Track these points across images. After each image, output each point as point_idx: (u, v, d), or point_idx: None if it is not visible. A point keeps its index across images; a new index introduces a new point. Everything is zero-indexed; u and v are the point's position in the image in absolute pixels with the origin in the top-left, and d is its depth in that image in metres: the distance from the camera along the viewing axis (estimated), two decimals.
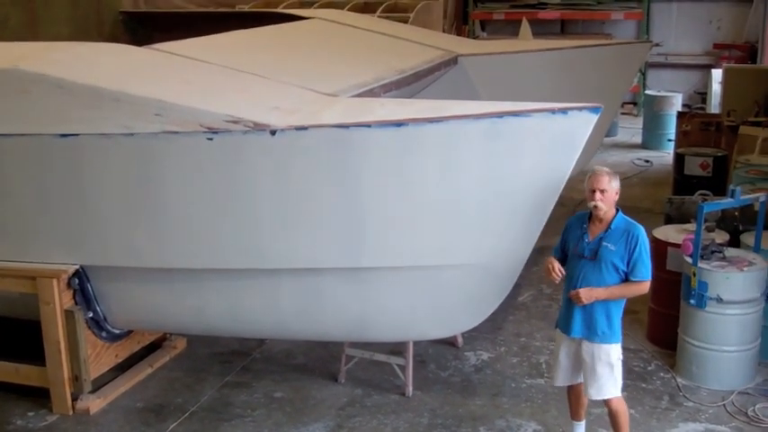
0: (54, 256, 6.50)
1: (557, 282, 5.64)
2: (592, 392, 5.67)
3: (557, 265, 5.54)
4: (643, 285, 5.53)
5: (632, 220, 5.59)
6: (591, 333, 5.58)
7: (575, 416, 6.02)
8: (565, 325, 5.71)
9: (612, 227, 5.51)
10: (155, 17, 12.50)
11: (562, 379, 5.87)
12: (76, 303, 6.61)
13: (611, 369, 5.59)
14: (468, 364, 7.45)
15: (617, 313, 5.60)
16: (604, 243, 5.49)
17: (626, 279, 5.51)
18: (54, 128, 6.03)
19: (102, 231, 6.31)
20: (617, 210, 5.57)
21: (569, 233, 5.74)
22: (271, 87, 6.52)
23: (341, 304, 6.18)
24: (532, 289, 9.06)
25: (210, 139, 5.70)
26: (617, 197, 5.55)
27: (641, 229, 5.53)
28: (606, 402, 5.72)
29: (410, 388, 6.92)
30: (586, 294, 5.47)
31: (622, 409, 5.74)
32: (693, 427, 6.41)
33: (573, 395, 5.97)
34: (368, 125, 5.48)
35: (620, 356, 5.66)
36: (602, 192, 5.45)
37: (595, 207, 5.49)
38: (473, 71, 9.63)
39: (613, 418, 5.75)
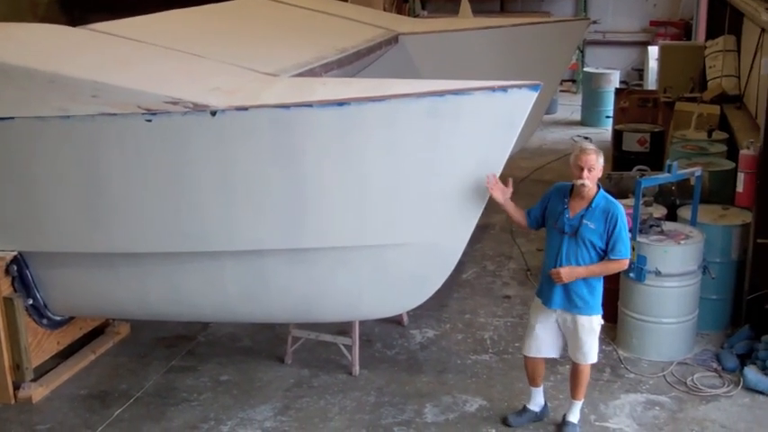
0: None
1: (492, 191, 5.56)
2: (579, 357, 5.85)
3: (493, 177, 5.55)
4: (622, 263, 5.67)
5: (612, 199, 5.67)
6: (572, 305, 5.71)
7: (533, 383, 6.14)
8: (546, 299, 5.81)
9: (593, 205, 5.60)
10: None
11: (535, 350, 5.97)
12: (15, 290, 6.51)
13: (594, 336, 5.80)
14: (413, 342, 7.49)
15: (599, 285, 5.76)
16: (585, 221, 5.59)
17: (603, 256, 5.62)
18: None
19: (40, 216, 6.20)
20: (598, 187, 5.65)
21: (550, 203, 5.82)
22: (210, 67, 6.45)
23: (285, 285, 6.17)
24: (476, 266, 9.12)
25: (149, 120, 5.62)
26: (600, 174, 5.64)
27: (621, 208, 5.63)
28: (578, 364, 5.89)
29: (357, 367, 6.94)
30: (568, 274, 5.59)
31: (588, 371, 5.95)
32: (635, 398, 6.54)
33: (530, 365, 6.06)
34: (309, 105, 5.46)
35: (601, 322, 5.86)
36: (590, 170, 5.53)
37: (583, 185, 5.57)
38: (414, 50, 9.63)
39: (578, 376, 5.94)
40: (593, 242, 5.58)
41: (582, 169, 5.54)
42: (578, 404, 6.04)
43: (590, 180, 5.56)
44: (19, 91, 5.81)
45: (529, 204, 5.98)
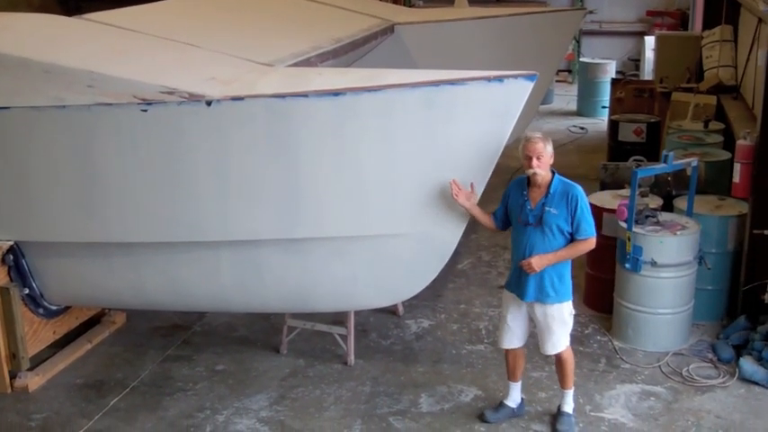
0: None
1: (457, 197, 5.59)
2: (548, 348, 5.85)
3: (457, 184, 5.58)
4: (589, 242, 5.66)
5: (569, 181, 5.68)
6: (543, 295, 5.71)
7: (512, 377, 6.15)
8: (517, 290, 5.81)
9: (551, 191, 5.60)
10: None
11: (508, 341, 5.98)
12: (12, 280, 6.51)
13: (564, 325, 5.80)
14: (409, 332, 7.50)
15: (567, 272, 5.76)
16: (546, 208, 5.58)
17: (572, 239, 5.63)
18: None
19: (36, 206, 6.20)
20: (553, 173, 5.65)
21: (510, 199, 5.82)
22: (206, 57, 6.43)
23: (281, 275, 6.17)
24: (471, 256, 9.13)
25: (145, 110, 5.61)
26: (552, 160, 5.63)
27: (579, 189, 5.63)
28: (557, 354, 5.89)
29: (352, 357, 6.95)
30: (537, 263, 5.58)
31: (570, 357, 5.95)
32: (630, 389, 6.55)
33: (511, 358, 6.08)
34: (305, 95, 5.45)
35: (572, 312, 5.85)
36: (538, 158, 5.53)
37: (534, 174, 5.57)
38: (410, 40, 9.62)
39: (562, 365, 5.95)
40: (559, 227, 5.58)
41: (530, 158, 5.54)
42: (569, 393, 6.04)
43: (541, 168, 5.55)
44: (14, 81, 5.80)
45: None
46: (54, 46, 6.09)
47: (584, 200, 5.60)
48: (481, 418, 6.13)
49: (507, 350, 6.06)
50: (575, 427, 6.00)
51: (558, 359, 5.96)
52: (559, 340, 5.82)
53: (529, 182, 5.69)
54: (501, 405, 6.17)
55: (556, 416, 6.07)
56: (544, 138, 5.59)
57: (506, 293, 5.96)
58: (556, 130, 15.06)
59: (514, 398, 6.16)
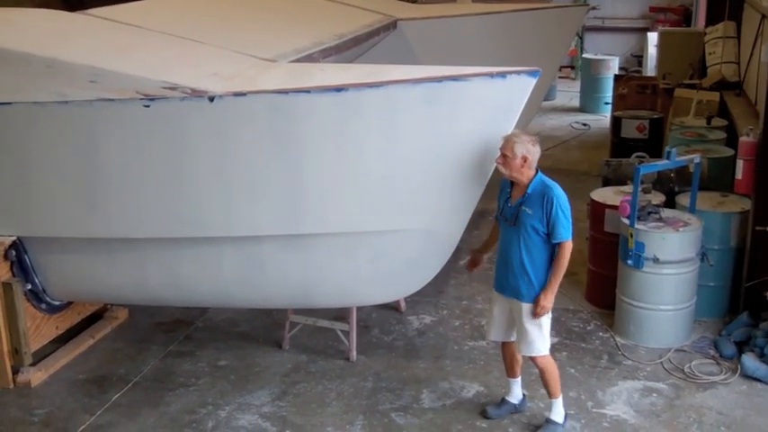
0: None
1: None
2: (522, 348, 5.79)
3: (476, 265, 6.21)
4: (564, 246, 5.53)
5: (549, 182, 5.56)
6: (518, 294, 5.68)
7: (510, 373, 6.14)
8: (498, 286, 5.85)
9: (529, 191, 5.54)
10: None
11: (495, 334, 6.02)
12: (14, 275, 6.51)
13: (539, 328, 5.70)
14: (411, 328, 7.51)
15: (542, 273, 5.62)
16: (523, 207, 5.54)
17: (546, 240, 5.54)
18: None
19: (38, 202, 6.20)
20: (536, 173, 5.56)
21: (499, 195, 5.83)
22: (208, 53, 6.43)
23: (283, 271, 6.17)
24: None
25: (147, 106, 5.61)
26: (526, 164, 5.45)
27: (557, 190, 5.52)
28: (533, 360, 5.83)
29: (354, 353, 6.96)
30: (548, 303, 5.57)
31: (550, 367, 5.86)
32: (632, 385, 6.55)
33: (507, 353, 6.07)
34: (307, 90, 5.45)
35: (549, 316, 5.76)
36: (504, 155, 5.45)
37: (500, 168, 5.51)
38: (412, 35, 9.61)
39: (543, 375, 5.89)
40: (534, 227, 5.51)
41: (500, 154, 5.47)
42: (555, 402, 5.93)
43: (505, 166, 5.45)
44: (17, 76, 5.80)
45: None
46: (56, 41, 6.09)
47: (560, 202, 5.48)
48: (483, 414, 6.13)
49: (503, 345, 6.06)
50: None
51: (538, 368, 5.87)
52: (534, 342, 5.70)
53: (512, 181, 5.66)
54: (503, 401, 6.17)
55: (543, 423, 6.00)
56: (522, 140, 5.43)
57: (494, 291, 5.96)
58: (559, 126, 15.06)
59: (516, 394, 6.16)
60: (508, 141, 5.43)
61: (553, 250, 5.59)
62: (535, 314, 5.61)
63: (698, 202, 7.40)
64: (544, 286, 5.59)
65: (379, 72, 5.66)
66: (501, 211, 5.74)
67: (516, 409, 6.15)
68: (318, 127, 5.54)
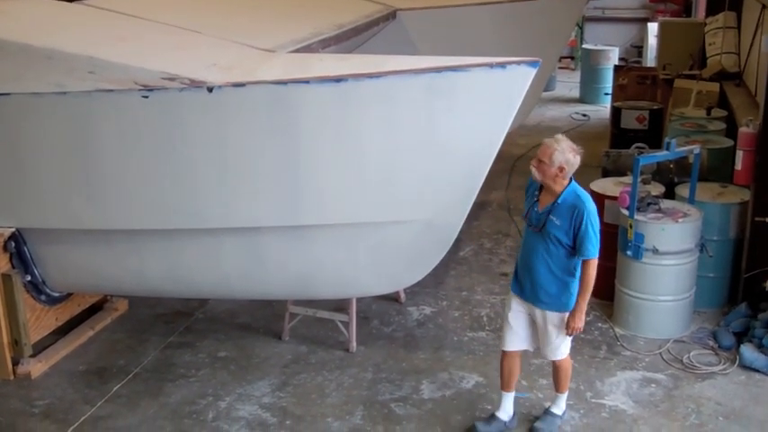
0: None
1: None
2: (547, 353, 5.68)
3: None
4: (590, 264, 5.37)
5: (583, 194, 5.39)
6: (537, 300, 5.55)
7: (505, 386, 5.88)
8: (517, 288, 5.67)
9: (560, 200, 5.37)
10: None
11: (513, 343, 5.77)
12: (14, 267, 6.51)
13: (562, 332, 5.57)
14: (410, 318, 7.51)
15: (573, 283, 5.49)
16: (551, 216, 5.38)
17: (571, 253, 5.38)
18: None
19: (37, 193, 6.19)
20: (570, 181, 5.40)
21: (527, 195, 5.70)
22: (207, 43, 6.41)
23: (283, 262, 6.17)
24: (473, 243, 9.13)
25: (146, 96, 5.60)
26: (562, 174, 5.32)
27: (588, 205, 5.34)
28: (553, 360, 5.76)
29: (354, 344, 6.96)
30: (578, 324, 5.46)
31: (566, 366, 5.81)
32: (631, 375, 6.56)
33: (508, 365, 5.83)
34: (306, 81, 5.43)
35: None
36: (539, 161, 5.34)
37: (533, 172, 5.40)
38: (412, 25, 9.58)
39: (558, 372, 5.82)
40: (558, 238, 5.36)
41: (536, 158, 5.37)
42: (561, 397, 5.90)
43: (539, 172, 5.33)
44: (15, 67, 5.78)
45: (525, 182, 5.91)
46: (55, 31, 6.07)
47: (591, 218, 5.29)
48: (472, 431, 5.88)
49: (504, 354, 5.82)
50: (556, 429, 5.87)
51: (556, 367, 5.80)
52: (559, 347, 5.63)
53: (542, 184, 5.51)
54: (493, 417, 5.91)
55: (542, 413, 5.96)
56: (563, 147, 5.29)
57: (510, 295, 5.77)
58: (558, 117, 15.06)
59: (507, 410, 5.89)
60: (548, 147, 5.30)
61: (576, 262, 5.44)
62: (567, 333, 5.52)
63: (697, 193, 7.40)
64: (573, 308, 5.44)
65: (379, 62, 5.64)
66: (527, 213, 5.59)
67: (506, 426, 5.88)
68: (318, 117, 5.53)
